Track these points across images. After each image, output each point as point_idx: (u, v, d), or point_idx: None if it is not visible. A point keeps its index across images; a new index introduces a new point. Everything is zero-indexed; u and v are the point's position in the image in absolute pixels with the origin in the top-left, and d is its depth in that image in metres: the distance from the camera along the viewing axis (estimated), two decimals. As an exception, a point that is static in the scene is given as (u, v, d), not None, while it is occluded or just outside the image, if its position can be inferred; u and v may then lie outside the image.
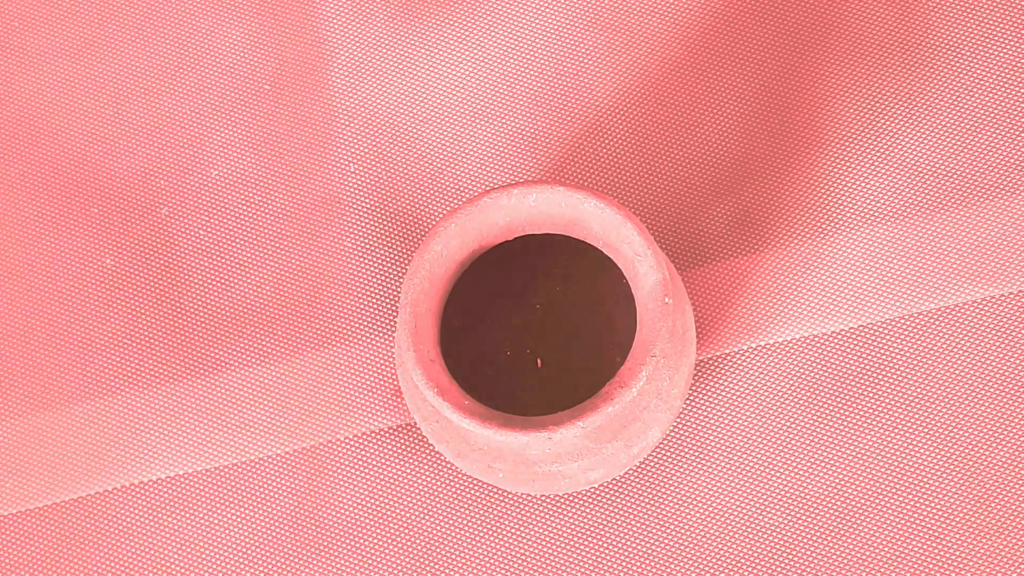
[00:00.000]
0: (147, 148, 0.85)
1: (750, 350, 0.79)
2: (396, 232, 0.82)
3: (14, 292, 0.83)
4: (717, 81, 0.83)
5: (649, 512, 0.77)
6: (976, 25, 0.83)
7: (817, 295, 0.80)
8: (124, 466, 0.80)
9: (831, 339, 0.79)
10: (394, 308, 0.81)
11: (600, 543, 0.77)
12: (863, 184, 0.81)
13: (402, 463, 0.79)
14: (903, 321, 0.79)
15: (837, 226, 0.81)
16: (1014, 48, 0.83)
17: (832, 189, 0.81)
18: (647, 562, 0.77)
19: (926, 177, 0.81)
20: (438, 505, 0.78)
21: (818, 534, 0.76)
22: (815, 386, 0.79)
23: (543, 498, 0.78)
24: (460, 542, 0.78)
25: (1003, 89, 0.82)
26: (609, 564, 0.77)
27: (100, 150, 0.85)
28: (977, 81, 0.82)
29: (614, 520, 0.77)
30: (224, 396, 0.81)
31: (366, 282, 0.82)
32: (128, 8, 0.88)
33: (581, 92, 0.84)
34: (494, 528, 0.78)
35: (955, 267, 0.80)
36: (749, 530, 0.77)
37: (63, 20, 0.87)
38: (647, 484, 0.78)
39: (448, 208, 0.83)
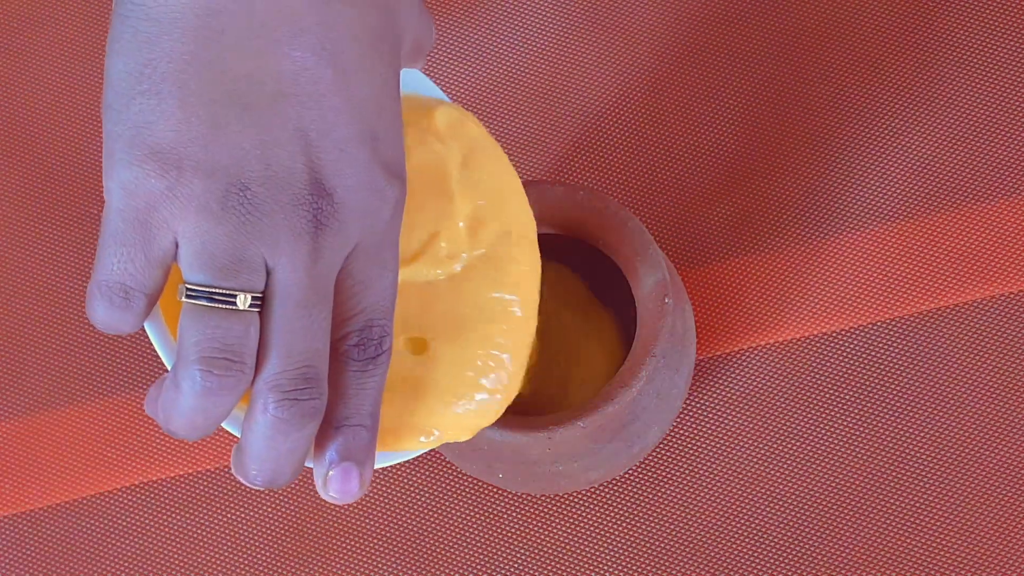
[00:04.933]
0: (147, 148, 0.85)
1: (750, 350, 0.79)
2: (396, 232, 0.82)
3: (14, 292, 0.83)
4: (717, 81, 0.83)
5: (649, 512, 0.77)
6: (977, 24, 0.83)
7: (817, 295, 0.80)
8: (124, 466, 0.80)
9: (831, 339, 0.79)
10: (394, 308, 0.81)
11: (600, 543, 0.77)
12: (863, 184, 0.81)
13: (402, 463, 0.79)
14: (903, 321, 0.79)
15: (837, 226, 0.81)
16: (1015, 48, 0.83)
17: (832, 189, 0.81)
18: (647, 562, 0.77)
19: (926, 177, 0.81)
20: (438, 505, 0.78)
21: (818, 534, 0.76)
22: (815, 386, 0.79)
23: (543, 498, 0.78)
24: (460, 542, 0.78)
25: (1003, 89, 0.82)
26: (609, 564, 0.77)
27: (100, 150, 0.85)
28: (977, 81, 0.82)
29: (614, 520, 0.77)
30: (224, 396, 0.81)
31: (366, 282, 0.82)
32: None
33: (581, 92, 0.84)
34: (494, 528, 0.78)
35: (955, 267, 0.80)
36: (749, 530, 0.77)
37: (63, 20, 0.87)
38: (647, 484, 0.78)
39: (448, 208, 0.83)
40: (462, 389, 0.61)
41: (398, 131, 0.56)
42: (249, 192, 0.52)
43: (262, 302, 0.54)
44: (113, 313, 0.53)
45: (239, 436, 0.56)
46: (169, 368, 0.56)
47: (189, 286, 0.53)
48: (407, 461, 0.79)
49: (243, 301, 0.53)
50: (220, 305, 0.53)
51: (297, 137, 0.53)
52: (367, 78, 0.54)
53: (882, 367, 0.79)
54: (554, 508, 0.78)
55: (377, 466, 0.59)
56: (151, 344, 0.82)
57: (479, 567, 0.77)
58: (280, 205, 0.53)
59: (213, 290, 0.53)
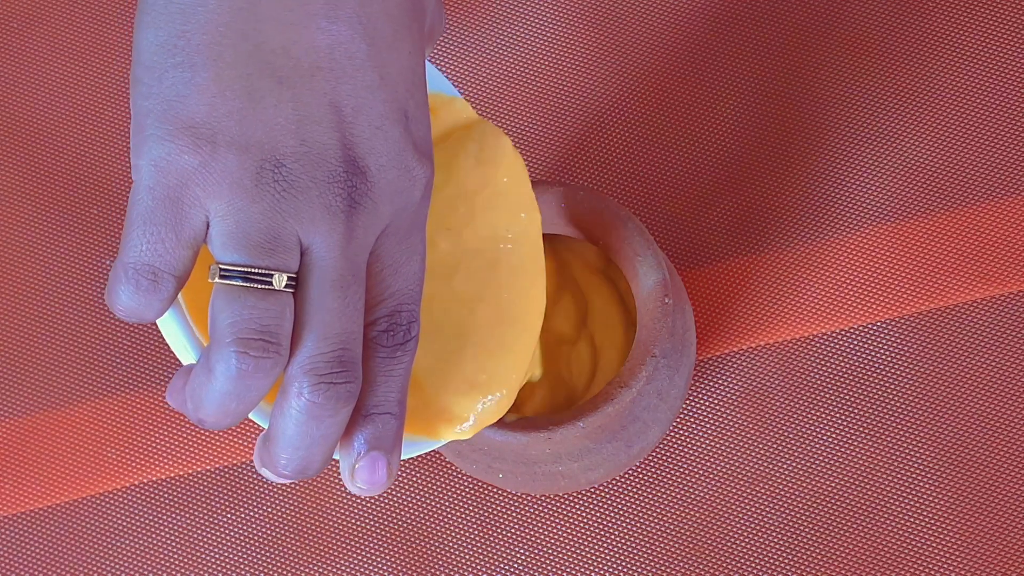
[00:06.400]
0: (147, 148, 0.85)
1: (750, 350, 0.79)
2: (396, 232, 0.82)
3: (14, 292, 0.83)
4: (717, 81, 0.83)
5: (649, 512, 0.77)
6: (976, 24, 0.83)
7: (817, 295, 0.80)
8: (124, 466, 0.80)
9: (831, 339, 0.79)
10: (394, 308, 0.81)
11: (600, 543, 0.77)
12: (863, 184, 0.81)
13: (402, 463, 0.79)
14: (903, 321, 0.79)
15: (837, 226, 0.81)
16: (1014, 47, 0.83)
17: (832, 189, 0.81)
18: (647, 562, 0.77)
19: (926, 177, 0.81)
20: (438, 505, 0.78)
21: (818, 534, 0.76)
22: (815, 386, 0.79)
23: (543, 498, 0.78)
24: (460, 542, 0.78)
25: (1003, 89, 0.82)
26: (609, 564, 0.77)
27: (100, 150, 0.85)
28: (977, 81, 0.82)
29: (614, 520, 0.77)
30: (224, 396, 0.81)
31: (366, 282, 0.82)
32: (128, 8, 0.88)
33: (581, 92, 0.84)
34: (494, 528, 0.78)
35: (955, 267, 0.80)
36: (749, 530, 0.77)
37: (63, 20, 0.87)
38: (647, 484, 0.78)
39: (448, 208, 0.82)
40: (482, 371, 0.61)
41: (426, 111, 0.55)
42: (284, 168, 0.51)
43: (296, 283, 0.52)
44: (138, 298, 0.51)
45: (264, 426, 0.55)
46: (184, 362, 0.55)
47: (223, 266, 0.51)
48: (413, 458, 0.79)
49: (279, 281, 0.51)
50: (255, 285, 0.51)
51: (331, 112, 0.52)
52: (400, 55, 0.53)
53: (882, 367, 0.79)
54: (554, 508, 0.78)
55: (402, 457, 0.59)
56: (150, 344, 0.82)
57: (479, 567, 0.77)
58: (315, 182, 0.51)
59: (248, 269, 0.51)
